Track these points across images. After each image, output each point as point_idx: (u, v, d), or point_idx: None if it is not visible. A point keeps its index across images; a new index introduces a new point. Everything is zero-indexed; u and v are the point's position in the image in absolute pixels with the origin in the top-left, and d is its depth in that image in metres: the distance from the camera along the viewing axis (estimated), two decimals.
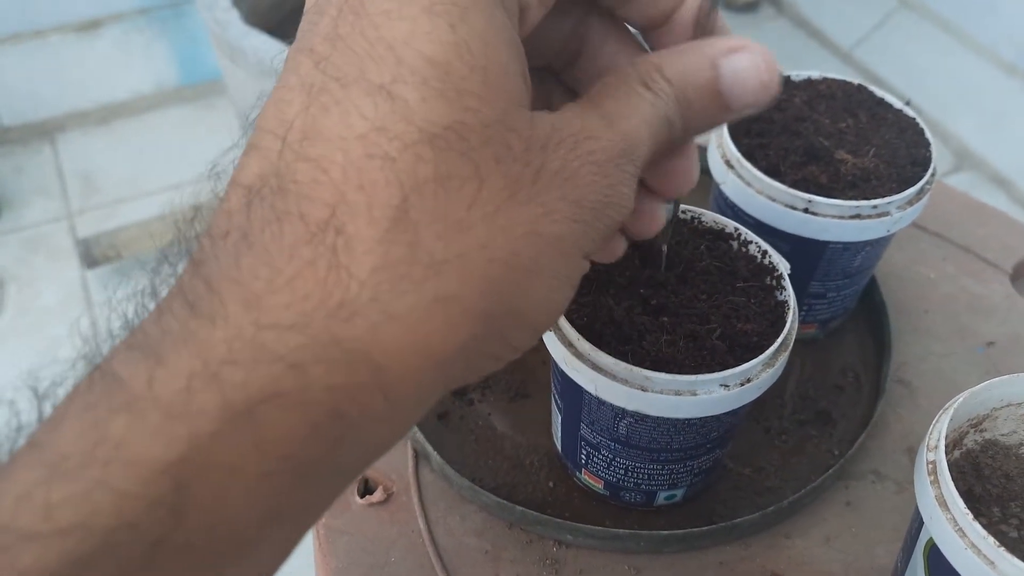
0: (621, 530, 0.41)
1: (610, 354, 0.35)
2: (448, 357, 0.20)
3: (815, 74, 0.51)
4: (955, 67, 1.80)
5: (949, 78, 1.79)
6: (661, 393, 0.35)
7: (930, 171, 0.46)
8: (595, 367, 0.35)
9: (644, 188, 0.28)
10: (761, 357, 0.36)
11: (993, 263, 0.57)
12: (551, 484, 0.45)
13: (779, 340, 0.36)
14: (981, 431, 0.38)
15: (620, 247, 0.29)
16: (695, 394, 0.35)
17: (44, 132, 1.75)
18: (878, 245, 0.47)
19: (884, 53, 1.89)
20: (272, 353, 0.18)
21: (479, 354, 0.21)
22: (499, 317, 0.21)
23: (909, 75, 1.83)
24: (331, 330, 0.19)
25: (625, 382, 0.35)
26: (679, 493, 0.43)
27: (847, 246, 0.46)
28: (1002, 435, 0.38)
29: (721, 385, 0.35)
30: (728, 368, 0.35)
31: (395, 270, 0.19)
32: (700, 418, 0.37)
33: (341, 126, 0.20)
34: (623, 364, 0.34)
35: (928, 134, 0.48)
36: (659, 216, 0.29)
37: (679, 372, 0.35)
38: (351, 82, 0.20)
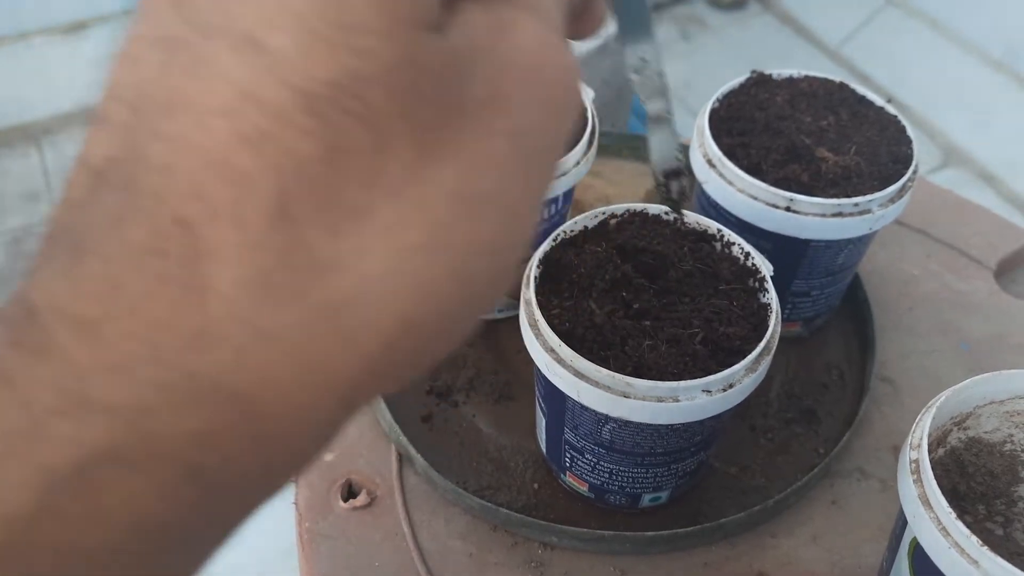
0: (606, 532, 0.41)
1: (592, 359, 0.35)
2: (350, 377, 0.16)
3: (796, 72, 0.51)
4: (942, 64, 1.81)
5: (936, 75, 1.80)
6: (643, 400, 0.34)
7: (912, 168, 0.46)
8: (577, 373, 0.35)
9: None
10: (743, 362, 0.35)
11: (977, 260, 0.57)
12: (536, 486, 0.45)
13: (762, 344, 0.36)
14: (965, 429, 0.38)
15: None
16: (677, 400, 0.35)
17: (30, 135, 1.74)
18: (860, 243, 0.47)
19: (871, 50, 1.89)
20: (109, 398, 0.15)
21: (397, 364, 0.17)
22: (418, 318, 0.17)
23: (896, 72, 1.83)
24: (185, 364, 0.15)
25: (607, 388, 0.35)
26: (664, 495, 0.43)
27: (829, 244, 0.46)
28: (985, 432, 0.38)
29: (703, 391, 0.35)
30: (711, 373, 0.35)
31: (267, 279, 0.15)
32: (683, 423, 0.36)
33: (204, 93, 0.15)
34: (605, 371, 0.34)
35: (910, 131, 0.48)
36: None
37: (661, 378, 0.35)
38: (215, 32, 0.16)
